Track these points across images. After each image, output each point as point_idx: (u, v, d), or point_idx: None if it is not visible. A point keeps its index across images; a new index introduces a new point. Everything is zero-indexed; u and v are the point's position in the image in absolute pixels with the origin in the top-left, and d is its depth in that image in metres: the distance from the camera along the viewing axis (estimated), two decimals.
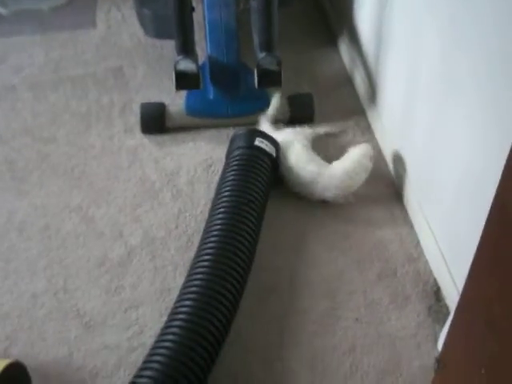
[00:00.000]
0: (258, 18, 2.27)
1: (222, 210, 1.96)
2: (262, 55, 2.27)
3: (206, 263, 1.81)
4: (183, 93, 2.45)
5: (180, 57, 2.28)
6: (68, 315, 1.91)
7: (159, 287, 1.97)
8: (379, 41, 2.35)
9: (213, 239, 1.88)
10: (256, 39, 2.35)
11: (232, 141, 2.21)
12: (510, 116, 1.20)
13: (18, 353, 1.83)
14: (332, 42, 2.86)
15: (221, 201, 1.99)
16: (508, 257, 1.30)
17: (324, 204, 2.17)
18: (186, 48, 2.28)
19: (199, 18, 2.47)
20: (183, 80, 2.29)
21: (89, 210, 2.18)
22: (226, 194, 2.00)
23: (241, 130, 2.22)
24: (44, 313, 1.92)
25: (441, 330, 1.83)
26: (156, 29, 2.63)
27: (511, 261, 1.29)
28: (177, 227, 2.12)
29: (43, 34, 2.90)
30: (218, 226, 1.91)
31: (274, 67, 2.28)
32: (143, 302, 1.93)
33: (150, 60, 2.75)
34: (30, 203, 2.20)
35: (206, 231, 1.93)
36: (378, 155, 2.33)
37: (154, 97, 2.54)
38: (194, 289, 1.76)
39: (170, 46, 2.65)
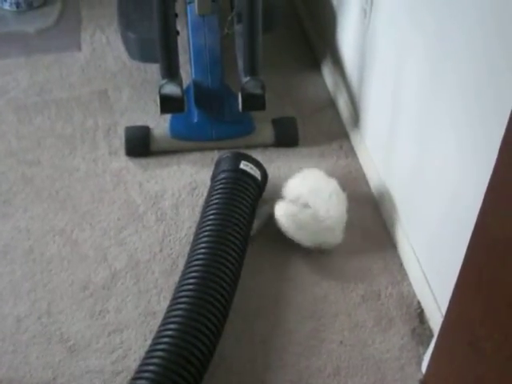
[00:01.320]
0: (242, 42, 2.28)
1: (206, 233, 1.96)
2: (246, 79, 2.29)
3: (190, 286, 1.82)
4: (168, 116, 2.46)
5: (164, 80, 2.29)
6: (52, 339, 1.90)
7: (144, 311, 1.96)
8: (362, 64, 2.38)
9: (197, 262, 1.88)
10: (240, 63, 2.36)
11: (217, 164, 2.22)
12: (498, 140, 1.21)
13: (1, 377, 1.82)
14: (315, 65, 2.88)
15: (205, 224, 1.99)
16: (491, 279, 1.32)
17: None
18: (171, 72, 2.29)
19: (184, 41, 2.49)
20: (168, 103, 2.30)
21: (73, 233, 2.18)
22: (211, 217, 2.01)
23: (226, 153, 2.23)
24: (28, 336, 1.91)
25: (425, 352, 1.83)
26: (141, 52, 2.64)
27: (494, 283, 1.30)
28: (161, 250, 2.12)
29: (28, 57, 2.90)
30: (203, 250, 1.91)
31: (257, 91, 2.30)
32: (128, 326, 1.93)
33: (134, 83, 2.76)
34: (14, 226, 2.19)
35: (191, 255, 1.93)
36: (361, 178, 2.35)
37: (138, 120, 2.55)
38: (178, 312, 1.76)
39: (154, 69, 2.67)
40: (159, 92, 2.29)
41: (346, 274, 2.06)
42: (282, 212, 2.09)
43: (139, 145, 2.42)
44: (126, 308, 1.97)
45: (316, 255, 2.11)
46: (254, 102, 2.32)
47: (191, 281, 1.83)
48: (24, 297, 2.01)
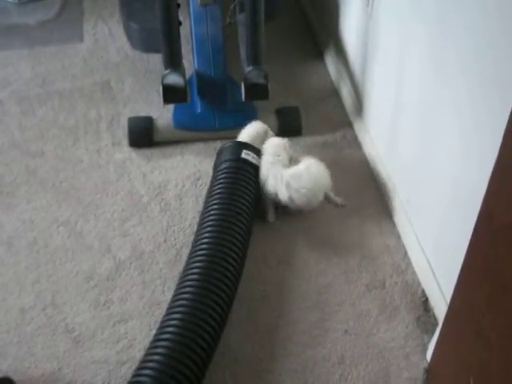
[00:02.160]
0: (244, 31, 2.28)
1: (210, 222, 1.96)
2: (248, 69, 2.28)
3: (194, 276, 1.82)
4: (171, 106, 2.45)
5: (167, 71, 2.29)
6: (57, 330, 1.90)
7: (148, 301, 1.96)
8: (365, 53, 2.37)
9: (201, 252, 1.88)
10: (243, 53, 2.36)
11: (219, 154, 2.22)
12: (502, 126, 1.21)
13: (7, 368, 1.82)
14: (318, 54, 2.87)
15: (209, 214, 1.99)
16: (496, 266, 1.31)
17: (312, 215, 2.17)
18: (173, 62, 2.29)
19: (186, 31, 2.48)
20: (171, 94, 2.30)
21: (77, 224, 2.18)
22: (214, 206, 2.01)
23: (227, 143, 2.23)
24: (33, 328, 1.91)
25: (429, 340, 1.83)
26: (143, 43, 2.64)
27: (499, 270, 1.30)
28: (165, 241, 2.12)
29: (30, 49, 2.90)
30: (206, 240, 1.91)
31: (260, 80, 2.30)
32: (132, 316, 1.93)
33: (137, 74, 2.76)
34: (18, 218, 2.20)
35: (195, 245, 1.93)
36: (365, 167, 2.34)
37: (141, 110, 2.55)
38: (182, 302, 1.76)
39: (157, 59, 2.66)
40: (162, 82, 2.28)
41: (350, 263, 2.06)
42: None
43: (142, 135, 2.41)
44: (130, 298, 1.97)
45: (320, 245, 2.11)
46: (257, 92, 2.31)
47: (195, 271, 1.83)
48: (28, 288, 2.01)
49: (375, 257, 2.08)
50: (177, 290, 1.82)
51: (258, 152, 2.19)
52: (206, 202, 2.06)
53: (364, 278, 2.02)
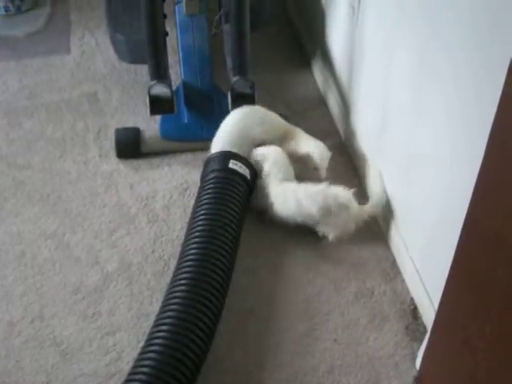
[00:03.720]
0: (230, 41, 2.28)
1: (197, 233, 1.95)
2: (235, 78, 2.28)
3: (182, 287, 1.81)
4: (158, 117, 2.45)
5: (153, 81, 2.29)
6: (45, 343, 1.89)
7: (136, 313, 1.96)
8: (351, 61, 2.38)
9: (188, 263, 1.87)
10: (229, 63, 2.36)
11: (206, 164, 2.21)
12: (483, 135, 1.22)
13: None
14: (305, 63, 2.88)
15: (196, 224, 1.98)
16: (482, 275, 1.32)
17: (302, 225, 2.17)
18: (160, 73, 2.29)
19: (173, 42, 2.48)
20: (157, 104, 2.30)
21: (64, 236, 2.17)
22: (201, 217, 2.00)
23: (215, 153, 2.22)
24: (20, 341, 1.90)
25: (419, 348, 1.83)
26: (130, 54, 2.63)
27: (485, 279, 1.30)
28: (153, 252, 2.12)
29: (17, 61, 2.89)
30: (194, 250, 1.90)
31: (247, 90, 2.30)
32: (120, 328, 1.92)
33: (124, 85, 2.75)
34: (6, 230, 2.19)
35: (182, 255, 1.92)
36: (353, 175, 2.34)
37: (128, 122, 2.54)
38: (170, 313, 1.76)
39: (144, 70, 2.66)
40: (148, 93, 2.29)
41: (338, 271, 2.06)
42: None
43: (129, 146, 2.41)
44: (118, 310, 1.97)
45: (309, 254, 2.11)
46: (244, 102, 2.31)
47: (182, 281, 1.82)
48: (16, 301, 2.00)
49: (364, 265, 2.08)
50: (164, 301, 1.81)
51: (245, 161, 2.19)
52: (194, 212, 2.05)
53: (352, 287, 2.02)
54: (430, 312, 1.84)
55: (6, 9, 3.12)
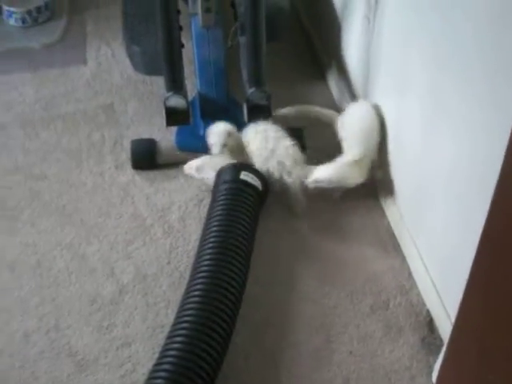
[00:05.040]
0: (246, 53, 2.29)
1: (209, 245, 1.95)
2: (251, 90, 2.29)
3: (195, 299, 1.81)
4: (174, 128, 2.46)
5: (169, 93, 2.29)
6: (60, 354, 1.90)
7: (151, 324, 1.96)
8: (366, 73, 2.37)
9: (202, 275, 1.87)
10: (245, 74, 2.37)
11: (218, 175, 2.22)
12: (501, 143, 1.21)
13: None
14: (320, 75, 2.88)
15: (208, 236, 1.99)
16: (500, 287, 1.31)
17: (317, 236, 2.17)
18: (176, 84, 2.30)
19: (189, 54, 2.49)
20: (173, 116, 2.31)
21: (80, 247, 2.18)
22: (214, 229, 2.00)
23: (226, 165, 2.23)
24: (36, 351, 1.90)
25: (435, 361, 1.82)
26: (146, 65, 2.64)
27: (503, 291, 1.29)
28: (169, 263, 2.12)
29: (34, 72, 2.91)
30: (207, 262, 1.90)
31: (263, 102, 2.30)
32: (136, 340, 1.92)
33: (140, 96, 2.76)
34: (22, 241, 2.20)
35: (195, 267, 1.92)
36: (368, 186, 2.34)
37: (144, 133, 2.55)
38: (184, 325, 1.76)
39: (160, 82, 2.65)
40: (164, 104, 2.29)
41: (354, 283, 2.05)
42: None
43: (145, 158, 2.42)
44: (133, 322, 1.97)
45: (324, 266, 2.10)
46: (260, 113, 2.31)
47: (196, 293, 1.82)
48: (32, 312, 2.01)
49: (379, 277, 2.07)
50: (178, 313, 1.82)
51: (257, 173, 2.19)
52: (206, 224, 2.06)
53: (368, 299, 2.01)
54: (446, 324, 1.83)
55: (23, 21, 3.14)
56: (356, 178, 2.20)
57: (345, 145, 2.28)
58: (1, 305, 2.03)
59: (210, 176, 2.23)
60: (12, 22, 3.15)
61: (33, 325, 1.97)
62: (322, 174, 2.19)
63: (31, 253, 2.16)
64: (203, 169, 2.26)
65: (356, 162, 2.20)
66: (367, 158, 2.22)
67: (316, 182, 2.18)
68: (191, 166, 2.28)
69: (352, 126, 2.29)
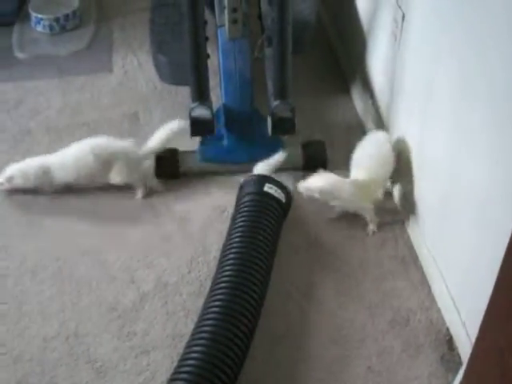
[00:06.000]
0: (272, 65, 2.29)
1: (231, 255, 1.97)
2: (275, 102, 2.29)
3: (215, 309, 1.82)
4: (197, 139, 2.46)
5: (195, 103, 2.31)
6: (79, 360, 1.90)
7: (171, 333, 1.96)
8: (392, 88, 2.37)
9: (223, 285, 1.89)
10: (270, 86, 2.37)
11: (241, 187, 2.23)
12: None
13: None
14: (345, 88, 2.88)
15: (230, 247, 2.00)
16: None
17: (336, 250, 2.17)
18: (201, 95, 2.31)
19: (214, 65, 2.50)
20: (198, 126, 2.32)
21: (101, 254, 2.19)
22: (236, 239, 2.02)
23: (250, 176, 2.24)
24: (55, 357, 1.91)
25: (453, 379, 1.81)
26: (172, 75, 2.66)
27: None
28: (189, 273, 2.12)
29: (60, 79, 2.94)
30: (228, 272, 1.92)
31: (287, 114, 2.31)
32: (155, 348, 1.93)
33: (165, 105, 2.77)
34: (43, 247, 2.21)
35: (216, 278, 1.93)
36: (390, 202, 2.34)
37: (168, 142, 2.55)
38: (203, 335, 1.77)
39: (185, 91, 2.68)
40: (189, 114, 2.30)
41: (373, 298, 2.05)
42: None
43: (168, 167, 2.43)
44: (153, 330, 1.97)
45: (342, 279, 2.10)
46: (284, 126, 2.32)
47: (216, 303, 1.84)
48: (52, 317, 2.02)
49: (399, 293, 2.06)
50: (198, 322, 1.82)
51: (281, 186, 2.20)
52: (228, 235, 2.07)
53: (387, 315, 2.01)
54: (465, 343, 1.82)
55: (51, 28, 3.17)
56: (354, 199, 2.21)
57: (352, 165, 2.27)
58: (21, 309, 2.04)
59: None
60: (40, 28, 3.18)
61: (53, 330, 1.98)
62: (314, 182, 2.19)
63: (53, 258, 2.18)
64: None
65: (356, 182, 2.21)
66: (373, 183, 2.23)
67: (307, 189, 2.19)
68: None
69: (363, 149, 2.29)
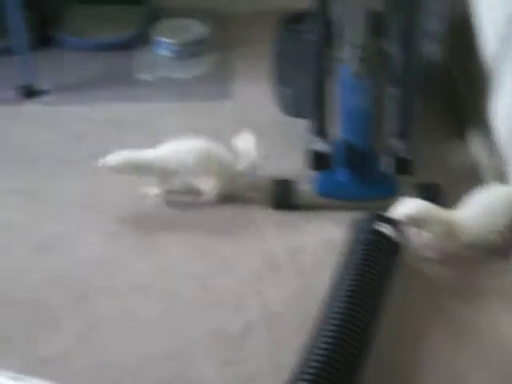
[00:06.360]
0: (396, 105, 2.28)
1: (342, 293, 1.95)
2: (396, 142, 2.28)
3: (323, 345, 1.79)
4: (313, 172, 2.46)
5: (314, 137, 2.32)
6: (179, 381, 1.91)
7: (275, 363, 1.95)
8: None
9: (332, 322, 1.86)
10: (392, 125, 2.36)
11: (354, 224, 2.21)
12: None
13: None
14: (463, 132, 2.83)
15: (341, 285, 1.98)
16: None
17: (452, 290, 2.14)
18: (321, 129, 2.32)
19: (335, 99, 2.50)
20: (315, 160, 2.33)
21: (211, 278, 2.21)
22: (347, 278, 2.00)
23: (364, 214, 2.22)
24: (157, 376, 1.92)
25: None
26: (291, 107, 2.68)
27: None
28: (297, 305, 2.12)
29: (181, 102, 3.00)
30: (338, 310, 1.89)
31: (407, 155, 2.29)
32: (258, 377, 1.92)
33: (281, 136, 2.78)
34: (155, 266, 2.26)
35: (324, 316, 1.91)
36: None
37: (283, 173, 2.56)
38: (310, 370, 1.74)
39: (301, 124, 2.69)
40: (308, 148, 2.32)
41: (485, 347, 1.98)
42: None
43: (283, 198, 2.44)
44: (258, 359, 1.97)
45: (453, 324, 2.05)
46: (403, 166, 2.31)
47: (324, 339, 1.81)
48: (158, 336, 2.04)
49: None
50: (303, 359, 1.80)
51: (395, 226, 2.17)
52: (339, 272, 2.05)
53: (501, 365, 1.93)
54: None
55: (175, 52, 3.26)
56: (451, 236, 2.19)
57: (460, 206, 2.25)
58: (128, 325, 2.08)
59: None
60: (164, 52, 3.27)
61: (157, 349, 2.00)
62: (405, 209, 2.17)
63: (163, 278, 2.21)
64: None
65: (453, 221, 2.19)
66: (477, 228, 2.20)
67: (397, 213, 2.17)
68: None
69: (477, 196, 2.26)
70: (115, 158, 2.41)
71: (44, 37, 3.32)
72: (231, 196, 2.51)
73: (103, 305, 2.14)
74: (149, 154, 2.46)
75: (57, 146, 2.62)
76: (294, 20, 3.11)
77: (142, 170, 2.44)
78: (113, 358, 1.99)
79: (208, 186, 2.41)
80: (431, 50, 2.79)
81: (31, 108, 3.02)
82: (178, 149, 2.46)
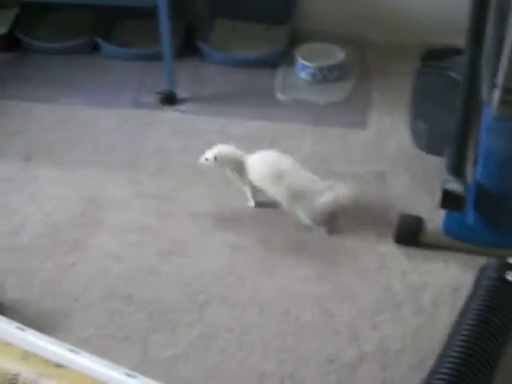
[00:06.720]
0: None
1: (460, 338, 1.90)
2: None
3: None
4: (442, 211, 2.43)
5: (449, 176, 2.29)
6: None
7: None
8: None
9: (448, 366, 1.82)
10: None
11: (482, 270, 2.16)
12: None
13: None
14: None
15: (461, 329, 1.94)
16: None
17: None
18: (458, 169, 2.29)
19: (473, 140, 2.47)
20: (448, 200, 2.29)
21: (330, 304, 2.22)
22: (468, 322, 1.95)
23: (493, 260, 2.17)
24: None
25: None
26: (428, 143, 2.65)
27: None
28: (413, 344, 2.10)
29: (314, 126, 3.01)
30: (455, 354, 1.85)
31: None
32: None
33: (414, 171, 2.75)
34: (277, 285, 2.28)
35: (441, 357, 1.88)
36: None
37: (411, 209, 2.53)
38: None
39: (435, 161, 2.66)
40: (442, 186, 2.28)
41: None
42: None
43: (410, 234, 2.42)
44: None
45: None
46: None
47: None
48: (271, 354, 2.07)
49: None
50: None
51: None
52: (460, 315, 2.01)
53: None
54: None
55: (314, 76, 3.27)
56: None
57: None
58: (244, 340, 2.12)
59: None
60: (304, 75, 3.29)
61: (270, 367, 2.03)
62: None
63: (283, 298, 2.24)
64: None
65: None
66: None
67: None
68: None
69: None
70: (213, 150, 2.54)
71: (188, 46, 3.41)
72: (355, 225, 2.52)
73: (221, 315, 2.20)
74: (244, 157, 2.57)
75: (191, 155, 2.67)
76: (436, 55, 3.11)
77: (235, 165, 2.57)
78: (222, 368, 2.04)
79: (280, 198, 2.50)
80: None
81: (169, 114, 3.10)
82: (266, 160, 2.55)
